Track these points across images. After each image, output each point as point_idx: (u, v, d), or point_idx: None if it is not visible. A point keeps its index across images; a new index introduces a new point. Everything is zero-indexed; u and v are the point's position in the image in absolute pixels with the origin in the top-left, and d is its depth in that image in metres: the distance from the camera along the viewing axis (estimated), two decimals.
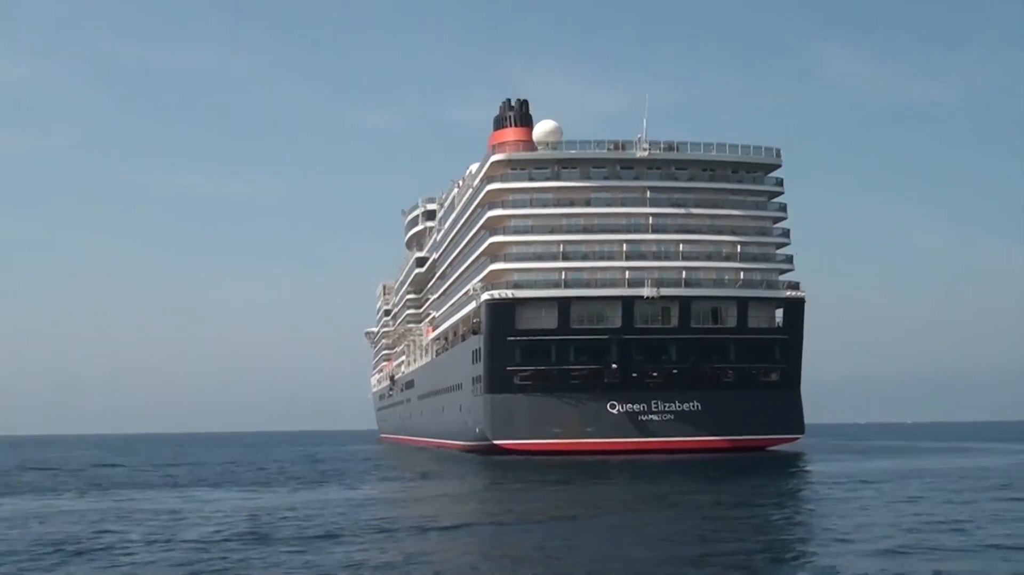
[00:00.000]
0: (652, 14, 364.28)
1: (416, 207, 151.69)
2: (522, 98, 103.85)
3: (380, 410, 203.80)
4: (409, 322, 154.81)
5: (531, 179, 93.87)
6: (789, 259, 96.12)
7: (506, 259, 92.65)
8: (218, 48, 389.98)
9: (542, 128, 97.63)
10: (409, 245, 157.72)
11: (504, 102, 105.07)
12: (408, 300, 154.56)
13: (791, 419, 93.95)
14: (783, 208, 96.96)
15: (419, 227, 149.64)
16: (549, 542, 31.09)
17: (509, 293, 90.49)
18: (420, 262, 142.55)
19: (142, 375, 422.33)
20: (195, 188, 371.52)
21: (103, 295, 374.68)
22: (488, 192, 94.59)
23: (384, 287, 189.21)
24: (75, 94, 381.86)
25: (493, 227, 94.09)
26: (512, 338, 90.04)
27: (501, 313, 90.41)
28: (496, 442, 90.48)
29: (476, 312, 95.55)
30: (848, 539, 30.13)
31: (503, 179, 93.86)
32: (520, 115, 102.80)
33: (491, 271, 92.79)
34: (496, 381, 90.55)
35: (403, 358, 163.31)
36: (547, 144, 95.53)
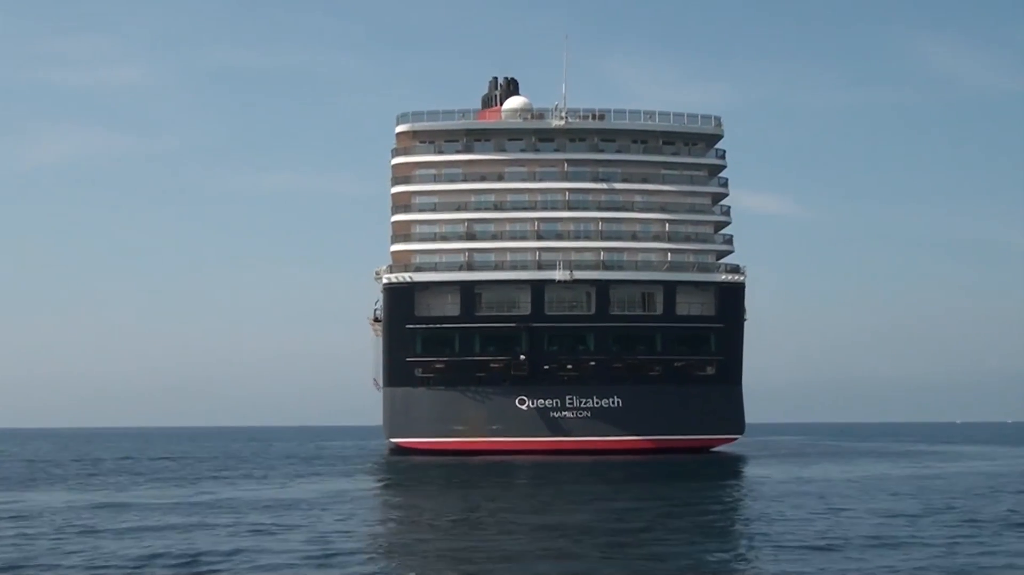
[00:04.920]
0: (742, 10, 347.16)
1: None
2: (511, 76, 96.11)
3: None
4: None
5: (440, 152, 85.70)
6: (729, 240, 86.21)
7: (408, 239, 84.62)
8: (319, 50, 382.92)
9: (509, 105, 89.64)
10: None
11: (491, 80, 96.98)
12: None
13: (728, 417, 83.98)
14: (725, 184, 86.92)
15: None
16: None
17: (407, 276, 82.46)
18: None
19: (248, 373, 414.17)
20: (293, 188, 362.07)
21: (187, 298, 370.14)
22: (394, 166, 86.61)
23: None
24: (181, 98, 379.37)
25: (397, 205, 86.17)
26: (411, 326, 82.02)
27: (399, 299, 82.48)
28: (393, 440, 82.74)
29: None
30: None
31: (408, 152, 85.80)
32: (507, 94, 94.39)
33: (393, 253, 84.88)
34: (395, 374, 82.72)
35: None
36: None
